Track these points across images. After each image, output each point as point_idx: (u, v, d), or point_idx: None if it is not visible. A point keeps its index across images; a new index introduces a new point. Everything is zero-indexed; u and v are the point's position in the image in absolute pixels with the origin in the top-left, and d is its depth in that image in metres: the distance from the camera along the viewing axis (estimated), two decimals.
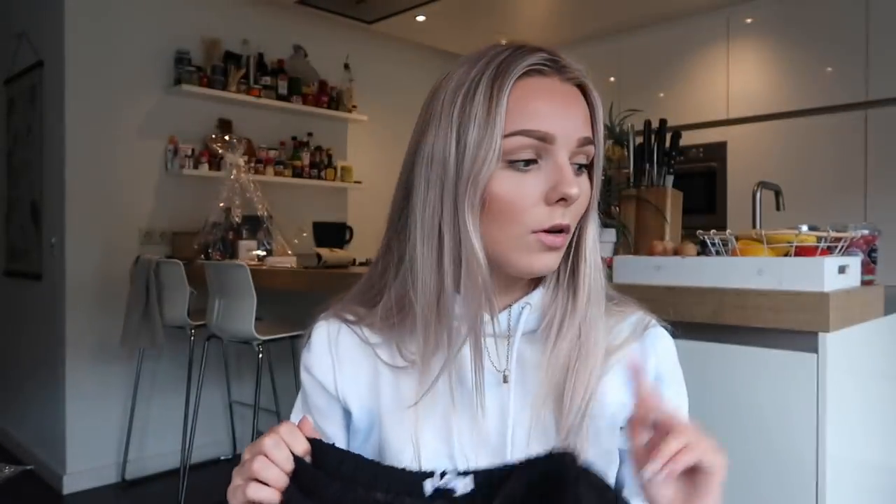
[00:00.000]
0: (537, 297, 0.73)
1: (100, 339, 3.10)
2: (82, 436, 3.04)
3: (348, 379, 0.73)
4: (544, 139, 0.64)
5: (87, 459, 3.05)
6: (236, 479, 0.59)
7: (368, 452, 0.71)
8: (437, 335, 0.67)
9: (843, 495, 1.13)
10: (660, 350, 0.75)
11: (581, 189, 0.66)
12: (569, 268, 0.72)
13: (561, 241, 0.67)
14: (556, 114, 0.65)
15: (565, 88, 0.67)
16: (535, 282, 0.74)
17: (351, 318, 0.75)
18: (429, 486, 0.56)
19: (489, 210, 0.65)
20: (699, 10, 3.80)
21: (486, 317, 0.69)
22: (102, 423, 3.11)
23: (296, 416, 0.78)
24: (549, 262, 0.68)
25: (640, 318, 0.76)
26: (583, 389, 0.68)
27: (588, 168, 0.70)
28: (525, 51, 0.66)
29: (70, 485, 3.00)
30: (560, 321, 0.70)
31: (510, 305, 0.73)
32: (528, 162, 0.65)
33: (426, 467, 0.64)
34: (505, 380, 0.71)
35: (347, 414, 0.74)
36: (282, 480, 0.57)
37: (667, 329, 0.77)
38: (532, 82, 0.65)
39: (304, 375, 0.76)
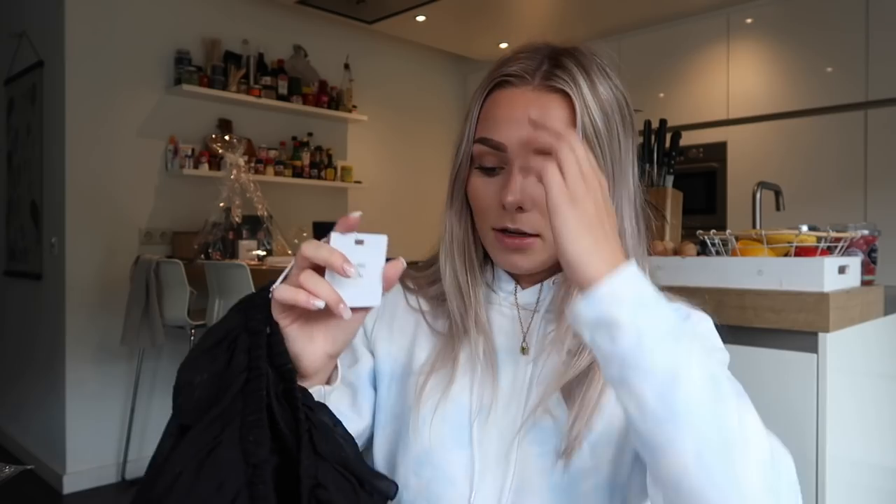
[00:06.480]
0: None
1: (100, 339, 3.10)
2: (82, 436, 3.04)
3: (384, 329, 0.79)
4: (497, 148, 0.67)
5: (87, 459, 3.05)
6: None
7: (391, 401, 0.76)
8: (458, 307, 0.73)
9: (843, 495, 1.13)
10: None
11: (531, 195, 0.66)
12: None
13: (515, 243, 0.69)
14: (510, 124, 0.66)
15: (534, 97, 0.67)
16: None
17: (411, 285, 0.81)
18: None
19: (472, 205, 0.73)
20: (699, 10, 3.80)
21: (510, 288, 0.75)
22: (102, 423, 3.11)
23: None
24: (513, 261, 0.71)
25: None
26: (589, 376, 0.67)
27: None
28: (510, 60, 0.69)
29: (70, 485, 3.00)
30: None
31: (543, 280, 0.74)
32: (492, 168, 0.69)
33: (443, 420, 0.70)
34: (524, 351, 0.73)
35: (371, 360, 0.79)
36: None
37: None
38: (502, 93, 0.69)
39: None
